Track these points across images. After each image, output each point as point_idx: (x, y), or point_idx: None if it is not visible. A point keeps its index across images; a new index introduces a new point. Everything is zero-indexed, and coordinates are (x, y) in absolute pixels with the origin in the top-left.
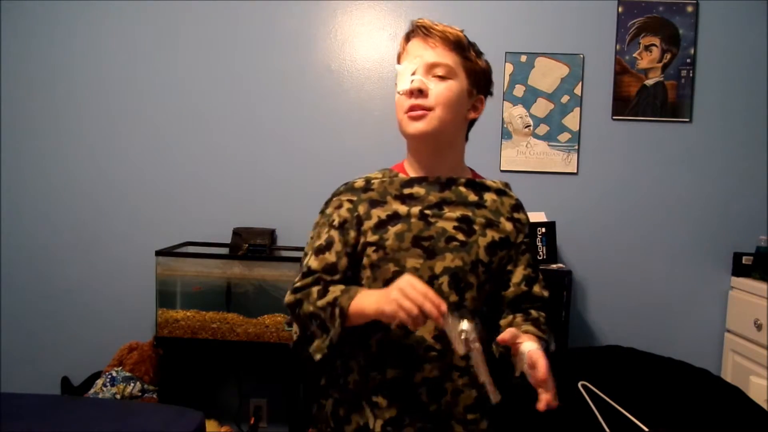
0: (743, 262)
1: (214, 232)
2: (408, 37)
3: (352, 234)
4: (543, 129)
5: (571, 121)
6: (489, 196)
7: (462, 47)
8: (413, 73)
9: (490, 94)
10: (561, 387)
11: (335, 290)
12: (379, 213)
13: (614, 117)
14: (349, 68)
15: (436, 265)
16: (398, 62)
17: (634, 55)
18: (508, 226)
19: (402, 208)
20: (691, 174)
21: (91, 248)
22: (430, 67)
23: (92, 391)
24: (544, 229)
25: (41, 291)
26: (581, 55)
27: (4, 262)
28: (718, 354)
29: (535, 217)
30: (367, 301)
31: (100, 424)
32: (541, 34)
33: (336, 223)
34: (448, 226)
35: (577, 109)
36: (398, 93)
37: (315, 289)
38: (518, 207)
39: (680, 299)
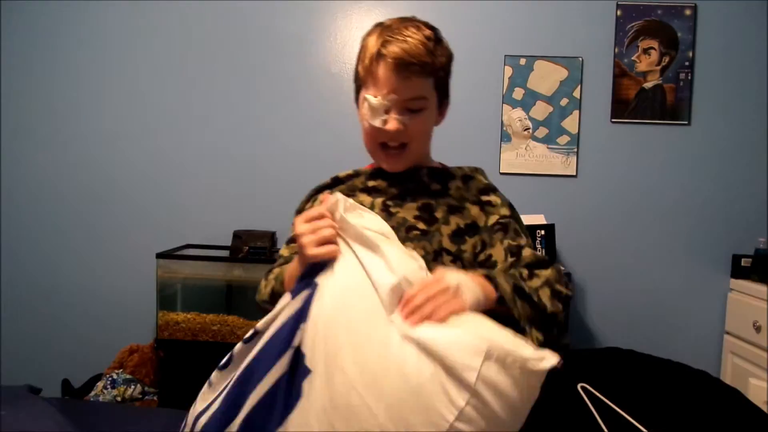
0: (742, 264)
1: (214, 235)
2: (378, 59)
3: None
4: (542, 132)
5: (570, 123)
6: (454, 184)
7: (435, 68)
8: (386, 111)
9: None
10: (560, 389)
11: (280, 270)
12: None
13: (613, 120)
14: (349, 71)
15: None
16: (362, 78)
17: (632, 58)
18: (474, 210)
19: (367, 200)
20: (690, 176)
21: (92, 250)
22: (406, 102)
23: (93, 393)
24: (543, 232)
25: (42, 293)
26: (580, 58)
27: (4, 263)
28: (717, 356)
29: (535, 219)
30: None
31: (101, 428)
32: (540, 37)
33: None
34: (409, 215)
35: (576, 112)
36: (367, 122)
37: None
38: (488, 190)
39: (679, 301)
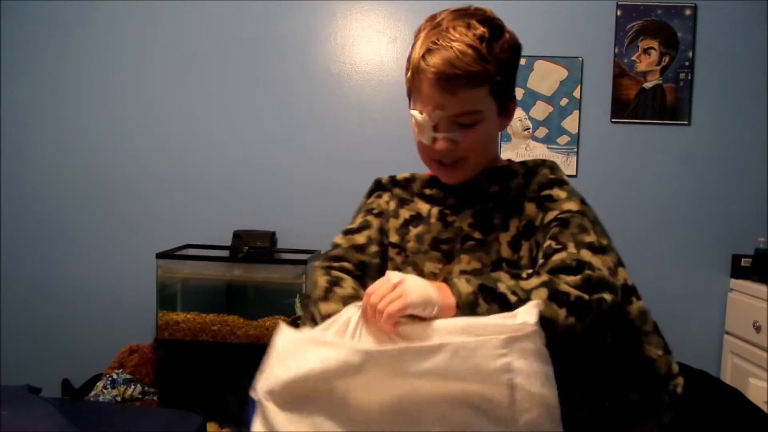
0: (742, 264)
1: (214, 235)
2: (419, 73)
3: (387, 226)
4: (542, 132)
5: (570, 123)
6: (515, 182)
7: (489, 75)
8: (435, 127)
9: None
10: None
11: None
12: (404, 213)
13: (613, 120)
14: (349, 71)
15: (454, 269)
16: (408, 90)
17: (632, 58)
18: (531, 207)
19: (424, 207)
20: (690, 176)
21: (92, 250)
22: (455, 117)
23: (93, 393)
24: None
25: (42, 293)
26: (580, 58)
27: (5, 264)
28: (717, 356)
29: None
30: None
31: (101, 428)
32: (540, 37)
33: (376, 211)
34: (465, 224)
35: (576, 112)
36: (419, 140)
37: (323, 285)
38: (552, 184)
39: (679, 301)
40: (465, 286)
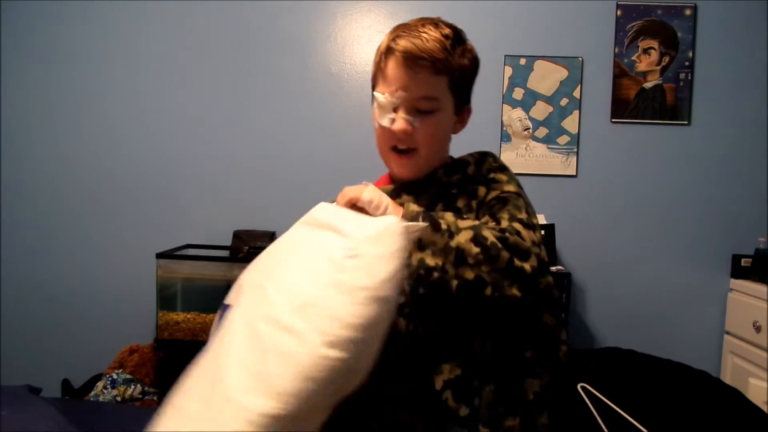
0: (742, 264)
1: (214, 235)
2: (388, 54)
3: None
4: (542, 132)
5: (570, 123)
6: (470, 169)
7: (450, 67)
8: (395, 109)
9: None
10: (560, 389)
11: None
12: None
13: (613, 120)
14: (349, 71)
15: None
16: (374, 76)
17: (632, 58)
18: (482, 190)
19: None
20: (690, 176)
21: (92, 250)
22: (415, 101)
23: (93, 393)
24: (543, 232)
25: (42, 293)
26: (580, 58)
27: (4, 264)
28: (717, 356)
29: None
30: None
31: (101, 428)
32: (540, 37)
33: None
34: None
35: (576, 112)
36: (377, 122)
37: None
38: (496, 170)
39: (679, 301)
40: (414, 207)
